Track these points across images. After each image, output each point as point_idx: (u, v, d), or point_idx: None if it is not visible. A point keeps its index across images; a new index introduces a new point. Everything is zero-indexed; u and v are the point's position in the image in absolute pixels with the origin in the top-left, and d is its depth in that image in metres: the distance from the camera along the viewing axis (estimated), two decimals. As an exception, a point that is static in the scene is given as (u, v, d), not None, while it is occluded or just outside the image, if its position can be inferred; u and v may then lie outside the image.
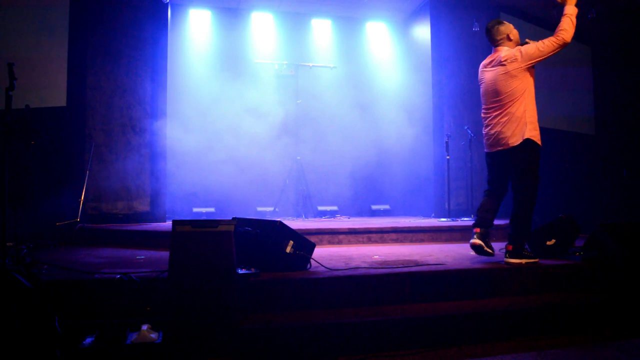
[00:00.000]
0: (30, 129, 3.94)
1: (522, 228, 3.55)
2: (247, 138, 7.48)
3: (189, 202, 6.94)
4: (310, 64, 7.80)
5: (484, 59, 3.87)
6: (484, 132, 3.74)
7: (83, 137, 5.92)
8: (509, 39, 3.63)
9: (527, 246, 3.83)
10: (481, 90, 3.75)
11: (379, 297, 3.06)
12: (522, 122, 3.48)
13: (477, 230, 3.68)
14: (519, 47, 3.57)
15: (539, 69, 3.72)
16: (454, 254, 4.17)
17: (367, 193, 7.95)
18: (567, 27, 3.42)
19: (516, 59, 3.50)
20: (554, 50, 3.45)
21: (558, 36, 3.42)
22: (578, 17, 3.50)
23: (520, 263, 3.48)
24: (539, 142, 3.52)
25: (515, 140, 3.49)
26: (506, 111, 3.53)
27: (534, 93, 3.58)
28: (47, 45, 5.87)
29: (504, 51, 3.59)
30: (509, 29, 3.65)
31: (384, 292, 3.08)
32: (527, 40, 3.64)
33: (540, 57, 3.47)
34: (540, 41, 3.49)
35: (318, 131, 7.71)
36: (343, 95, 8.01)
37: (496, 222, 5.79)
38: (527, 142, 3.47)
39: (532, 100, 3.56)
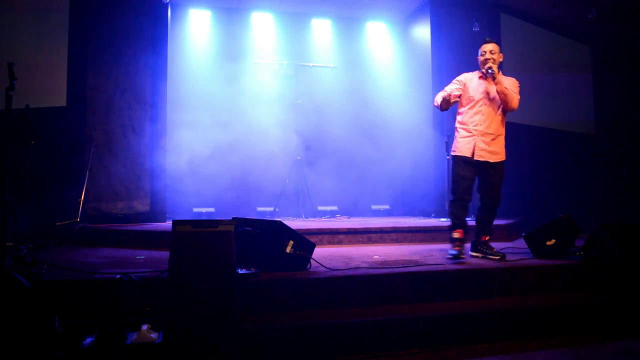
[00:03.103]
0: (30, 129, 3.95)
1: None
2: (247, 138, 7.48)
3: (189, 202, 6.94)
4: (310, 64, 7.79)
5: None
6: None
7: (83, 137, 5.92)
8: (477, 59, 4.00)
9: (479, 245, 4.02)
10: None
11: (379, 297, 3.06)
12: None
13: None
14: (471, 73, 4.01)
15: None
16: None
17: (367, 193, 7.94)
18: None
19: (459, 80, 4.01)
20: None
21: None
22: (578, 17, 3.59)
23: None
24: (457, 154, 3.91)
25: None
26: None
27: (463, 115, 3.96)
28: (47, 46, 5.87)
29: None
30: (480, 51, 3.93)
31: (384, 292, 3.08)
32: (492, 67, 3.83)
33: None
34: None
35: (318, 131, 7.70)
36: (343, 95, 8.00)
37: (498, 222, 5.80)
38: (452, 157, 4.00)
39: (462, 119, 3.95)
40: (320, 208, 7.33)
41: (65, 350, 2.27)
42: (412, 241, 5.14)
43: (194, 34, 7.58)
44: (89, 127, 5.96)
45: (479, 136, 3.82)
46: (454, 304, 3.08)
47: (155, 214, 6.08)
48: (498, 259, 3.75)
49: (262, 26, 7.87)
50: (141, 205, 6.05)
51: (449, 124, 7.14)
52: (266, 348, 2.56)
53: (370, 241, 5.02)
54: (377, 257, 3.97)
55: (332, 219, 6.94)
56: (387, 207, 7.83)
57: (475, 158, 3.82)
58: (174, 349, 2.35)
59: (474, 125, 3.85)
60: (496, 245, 4.21)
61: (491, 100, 3.84)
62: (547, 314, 3.00)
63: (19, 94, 3.13)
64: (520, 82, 3.97)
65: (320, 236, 4.82)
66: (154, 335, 2.42)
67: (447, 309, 2.96)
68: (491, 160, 3.83)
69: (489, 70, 3.77)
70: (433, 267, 3.35)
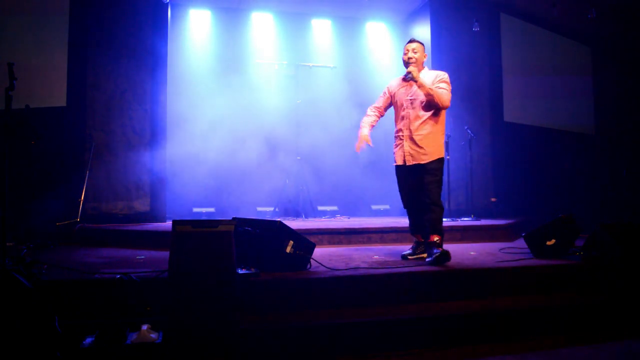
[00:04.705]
0: (30, 129, 3.95)
1: None
2: (247, 138, 7.48)
3: (189, 202, 6.94)
4: (310, 64, 7.79)
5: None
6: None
7: (83, 137, 5.92)
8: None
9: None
10: None
11: (379, 297, 3.06)
12: None
13: None
14: (396, 78, 3.95)
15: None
16: (454, 254, 4.16)
17: (367, 193, 7.94)
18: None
19: None
20: None
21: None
22: (578, 17, 3.53)
23: None
24: (394, 164, 3.89)
25: None
26: None
27: (395, 123, 3.91)
28: (47, 46, 5.87)
29: None
30: (404, 49, 3.81)
31: (384, 292, 3.08)
32: (411, 72, 3.67)
33: None
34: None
35: (318, 131, 7.69)
36: (343, 95, 8.00)
37: (498, 222, 5.80)
38: None
39: (395, 127, 3.90)
40: (320, 208, 7.33)
41: (65, 350, 2.27)
42: (412, 241, 5.11)
43: (194, 34, 7.58)
44: (89, 127, 5.96)
45: (406, 141, 3.73)
46: (454, 303, 3.07)
47: (155, 214, 6.09)
48: (427, 260, 3.61)
49: (262, 26, 7.87)
50: (141, 205, 6.05)
51: (448, 124, 7.14)
52: (266, 348, 2.56)
53: (370, 241, 5.01)
54: (377, 257, 3.97)
55: (332, 219, 6.94)
56: (387, 207, 7.83)
57: (408, 164, 3.73)
58: (174, 349, 2.35)
59: (401, 131, 3.79)
60: (496, 245, 4.20)
61: (414, 102, 3.71)
62: (548, 314, 3.00)
63: (19, 94, 3.13)
64: (519, 82, 3.95)
65: (320, 236, 4.82)
66: (154, 335, 2.42)
67: (447, 309, 2.96)
68: (422, 162, 3.67)
69: (408, 76, 3.65)
70: (433, 267, 3.35)
